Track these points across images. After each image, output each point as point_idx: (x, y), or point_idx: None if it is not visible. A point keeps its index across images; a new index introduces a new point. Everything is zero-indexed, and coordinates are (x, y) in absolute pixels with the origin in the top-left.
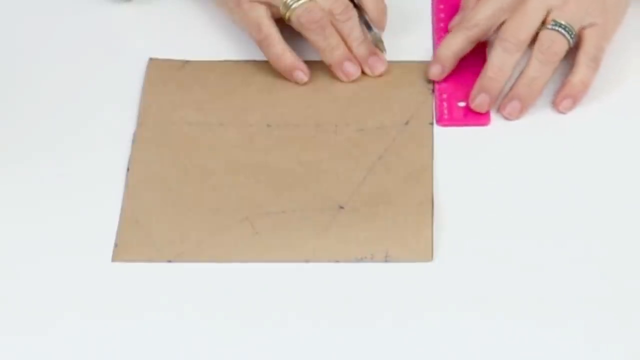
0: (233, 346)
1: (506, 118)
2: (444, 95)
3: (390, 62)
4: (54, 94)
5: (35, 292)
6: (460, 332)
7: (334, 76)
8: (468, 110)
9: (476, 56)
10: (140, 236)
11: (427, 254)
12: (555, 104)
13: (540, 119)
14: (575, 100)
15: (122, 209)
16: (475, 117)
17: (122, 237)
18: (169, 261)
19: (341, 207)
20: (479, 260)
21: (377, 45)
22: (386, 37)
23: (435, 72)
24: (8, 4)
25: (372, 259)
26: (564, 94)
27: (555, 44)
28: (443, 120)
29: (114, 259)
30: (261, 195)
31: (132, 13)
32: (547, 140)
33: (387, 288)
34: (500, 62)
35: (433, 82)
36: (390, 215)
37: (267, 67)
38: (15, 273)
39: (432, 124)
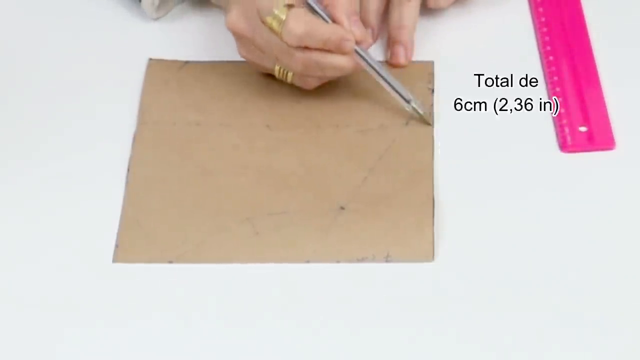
0: (234, 347)
1: (395, 65)
2: (564, 121)
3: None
4: (54, 94)
5: (35, 293)
6: (461, 332)
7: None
8: (591, 134)
9: (590, 81)
10: (141, 237)
11: (428, 254)
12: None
13: None
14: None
15: (123, 210)
16: (600, 141)
17: (122, 238)
18: (170, 262)
19: (342, 208)
20: (480, 260)
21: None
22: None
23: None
24: (8, 4)
25: (374, 260)
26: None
27: None
28: (567, 147)
29: (114, 260)
30: (262, 196)
31: (132, 13)
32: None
33: (388, 288)
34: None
35: (432, 82)
36: (391, 216)
37: None
38: (15, 274)
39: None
